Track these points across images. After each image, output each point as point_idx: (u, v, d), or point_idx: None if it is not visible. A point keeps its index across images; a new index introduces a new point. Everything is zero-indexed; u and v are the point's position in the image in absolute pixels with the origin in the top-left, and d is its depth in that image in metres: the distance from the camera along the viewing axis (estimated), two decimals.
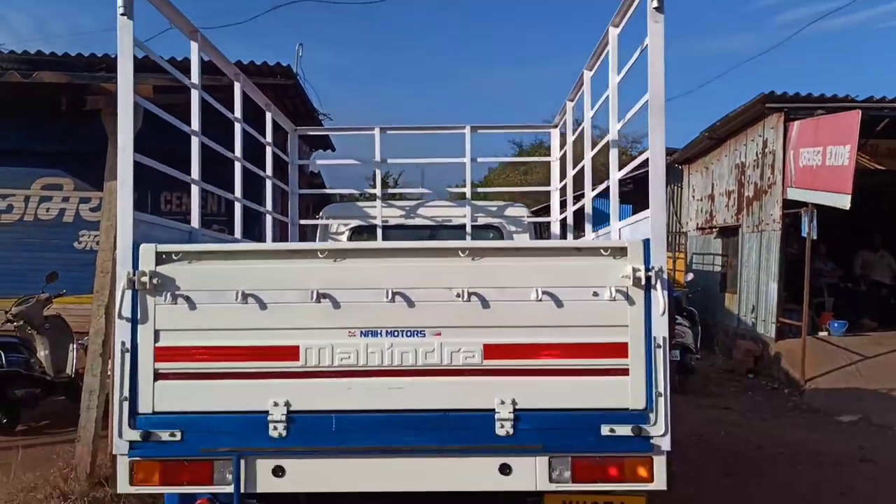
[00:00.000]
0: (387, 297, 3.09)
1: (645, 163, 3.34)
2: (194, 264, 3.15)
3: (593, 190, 4.81)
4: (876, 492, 6.32)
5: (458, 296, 3.10)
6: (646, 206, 3.21)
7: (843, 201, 9.30)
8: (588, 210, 4.99)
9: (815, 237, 10.64)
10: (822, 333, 11.84)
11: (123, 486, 3.14)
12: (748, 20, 61.38)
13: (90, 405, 5.85)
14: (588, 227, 5.14)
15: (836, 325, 11.90)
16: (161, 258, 3.13)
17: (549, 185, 6.69)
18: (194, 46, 4.12)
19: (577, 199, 5.72)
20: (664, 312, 3.07)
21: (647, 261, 3.09)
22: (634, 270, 3.07)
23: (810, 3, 55.18)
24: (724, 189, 15.02)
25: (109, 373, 5.16)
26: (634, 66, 3.78)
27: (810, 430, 8.85)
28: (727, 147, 14.84)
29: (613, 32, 3.98)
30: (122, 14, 3.12)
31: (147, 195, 10.71)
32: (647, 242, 3.11)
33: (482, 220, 6.35)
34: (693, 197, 17.64)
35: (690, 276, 14.19)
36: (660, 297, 3.06)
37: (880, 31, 56.80)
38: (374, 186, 6.51)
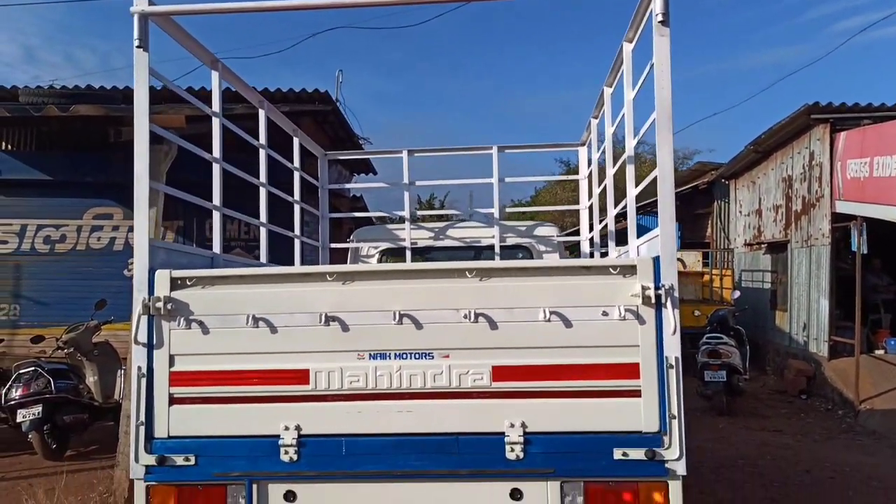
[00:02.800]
0: (395, 319, 3.09)
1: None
2: (208, 289, 3.20)
3: (615, 207, 4.74)
4: None
5: (465, 317, 3.08)
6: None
7: (893, 214, 8.97)
8: (611, 227, 4.93)
9: (865, 251, 10.27)
10: (879, 352, 11.37)
11: None
12: (797, 31, 60.12)
13: (127, 430, 5.96)
14: (611, 244, 5.07)
15: (892, 342, 11.42)
16: (176, 283, 3.20)
17: (562, 207, 6.62)
18: (215, 76, 4.24)
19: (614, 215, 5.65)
20: (675, 331, 3.00)
21: (657, 279, 3.02)
22: (644, 289, 3.00)
23: (858, 12, 53.77)
24: (772, 203, 14.65)
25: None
26: (650, 80, 3.73)
27: (864, 453, 8.48)
28: (774, 160, 14.50)
29: (627, 48, 3.95)
30: (137, 46, 3.23)
31: (192, 222, 11.03)
32: (656, 260, 3.04)
33: (511, 241, 6.33)
34: (740, 212, 17.24)
35: (737, 293, 13.82)
36: (671, 316, 2.98)
37: None
38: (418, 208, 6.56)
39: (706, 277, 15.60)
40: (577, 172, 6.91)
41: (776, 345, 14.08)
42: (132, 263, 12.35)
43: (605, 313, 3.05)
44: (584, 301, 3.07)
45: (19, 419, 7.75)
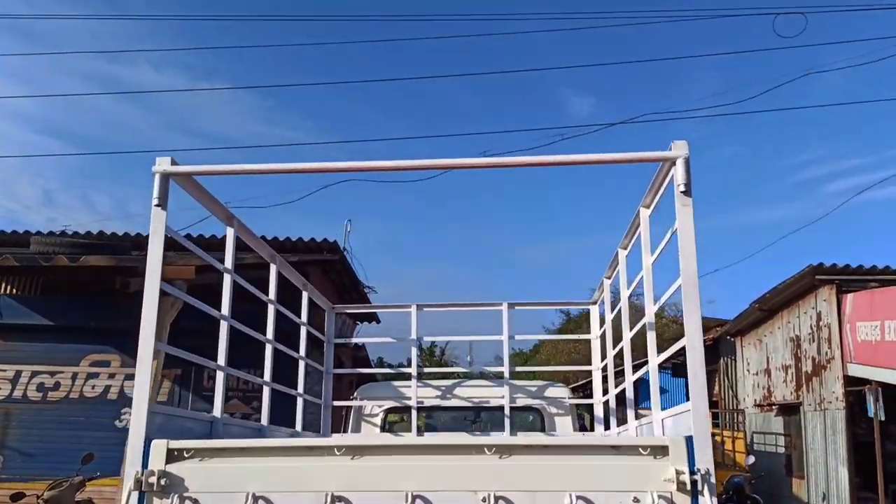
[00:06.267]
0: (406, 501, 2.85)
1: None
2: (206, 462, 2.98)
3: (634, 372, 4.57)
4: None
5: (483, 501, 2.83)
6: (685, 376, 2.97)
7: None
8: (629, 394, 4.73)
9: (882, 417, 9.93)
10: None
11: None
12: (792, 192, 62.17)
13: None
14: (630, 412, 4.84)
15: None
16: (172, 455, 2.98)
17: (573, 367, 6.45)
18: (230, 232, 4.21)
19: (622, 374, 5.47)
20: None
21: (691, 461, 2.81)
22: (678, 473, 2.78)
23: (857, 173, 55.86)
24: (781, 363, 14.40)
25: None
26: (668, 245, 3.70)
27: None
28: (780, 318, 14.41)
29: (644, 213, 3.94)
30: (156, 205, 3.20)
31: (191, 371, 10.78)
32: (689, 440, 2.84)
33: (521, 402, 6.10)
34: (748, 371, 16.93)
35: (752, 458, 13.25)
36: None
37: None
38: (418, 364, 6.39)
39: (717, 439, 15.05)
40: (578, 323, 6.78)
41: None
42: (125, 413, 11.96)
43: (636, 500, 2.81)
44: (613, 485, 2.84)
45: None
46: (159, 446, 2.96)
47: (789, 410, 13.99)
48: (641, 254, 4.04)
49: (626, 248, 4.70)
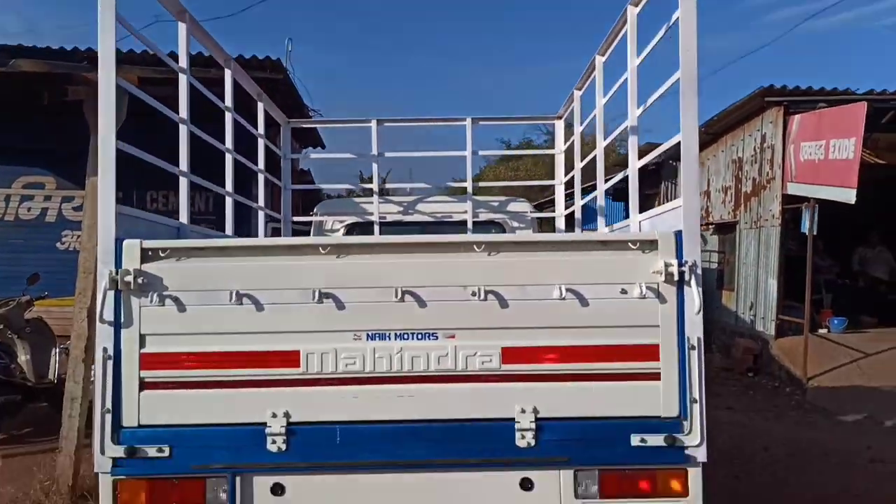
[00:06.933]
0: (395, 296, 2.83)
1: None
2: (184, 262, 2.86)
3: (607, 181, 4.55)
4: (893, 494, 6.11)
5: (473, 294, 2.83)
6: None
7: (848, 195, 9.11)
8: (601, 202, 4.74)
9: (815, 233, 10.45)
10: (822, 331, 11.66)
11: None
12: (738, 19, 61.35)
13: (72, 413, 5.53)
14: (601, 220, 4.89)
15: (835, 321, 11.74)
16: (147, 255, 2.84)
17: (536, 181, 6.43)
18: (182, 28, 3.84)
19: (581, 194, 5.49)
20: (699, 311, 2.82)
21: (679, 254, 2.84)
22: (666, 265, 2.81)
23: (799, 2, 55.19)
24: (721, 185, 14.84)
25: (92, 379, 4.87)
26: (651, 50, 3.55)
27: (816, 429, 8.65)
28: (723, 143, 14.66)
29: (632, 12, 3.73)
30: None
31: (132, 194, 10.39)
32: (678, 234, 2.85)
33: (484, 216, 6.09)
34: None
35: None
36: (694, 295, 2.81)
37: (868, 30, 56.99)
38: (366, 183, 6.26)
39: None
40: (535, 161, 6.70)
41: (723, 324, 14.33)
42: (66, 236, 11.64)
43: (623, 291, 2.86)
44: (602, 278, 2.86)
45: None
46: (132, 245, 2.82)
47: (725, 229, 14.62)
48: (627, 59, 3.85)
49: (604, 55, 4.51)
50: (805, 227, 10.52)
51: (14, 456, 6.94)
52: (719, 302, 14.62)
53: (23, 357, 8.01)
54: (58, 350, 8.05)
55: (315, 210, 6.29)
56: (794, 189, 10.97)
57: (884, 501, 5.93)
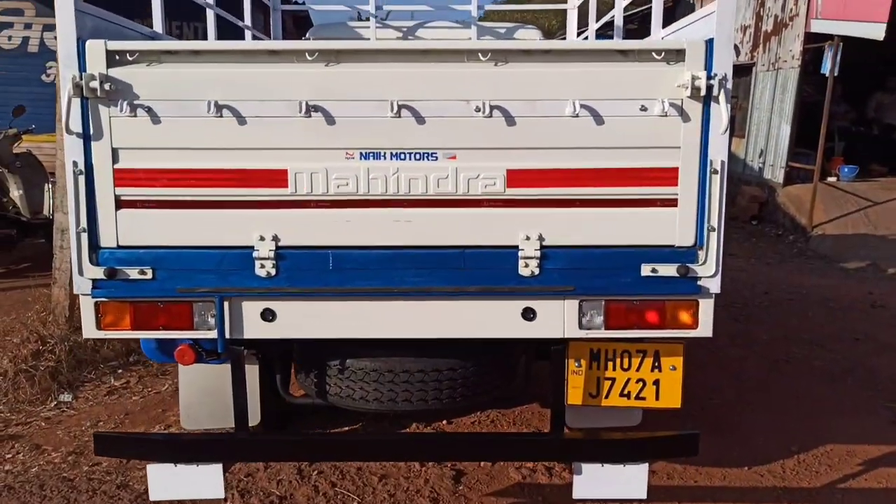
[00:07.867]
0: (391, 110, 2.54)
1: None
2: (155, 67, 2.55)
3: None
4: (893, 337, 6.12)
5: (477, 110, 2.55)
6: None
7: (877, 31, 8.57)
8: (618, 22, 4.32)
9: (836, 73, 9.93)
10: (831, 179, 11.40)
11: (90, 330, 2.73)
12: None
13: (63, 244, 5.41)
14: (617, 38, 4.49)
15: (846, 170, 11.44)
16: (113, 59, 2.53)
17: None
18: None
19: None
20: (726, 131, 2.56)
21: (709, 66, 2.52)
22: (693, 78, 2.50)
23: None
24: (740, 24, 14.01)
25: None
26: None
27: (818, 276, 8.63)
28: None
29: None
30: None
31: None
32: (710, 43, 2.53)
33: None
34: None
35: None
36: (722, 112, 2.52)
37: None
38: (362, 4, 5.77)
39: None
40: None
41: (729, 171, 14.00)
42: (51, 68, 11.15)
43: (643, 108, 2.57)
44: (620, 93, 2.56)
45: None
46: (96, 47, 2.50)
47: (740, 72, 13.97)
48: None
49: None
50: (826, 67, 9.99)
51: (11, 290, 6.94)
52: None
53: (15, 192, 7.85)
54: (50, 185, 7.87)
55: (307, 35, 5.84)
56: (818, 26, 10.31)
57: (885, 344, 5.95)
